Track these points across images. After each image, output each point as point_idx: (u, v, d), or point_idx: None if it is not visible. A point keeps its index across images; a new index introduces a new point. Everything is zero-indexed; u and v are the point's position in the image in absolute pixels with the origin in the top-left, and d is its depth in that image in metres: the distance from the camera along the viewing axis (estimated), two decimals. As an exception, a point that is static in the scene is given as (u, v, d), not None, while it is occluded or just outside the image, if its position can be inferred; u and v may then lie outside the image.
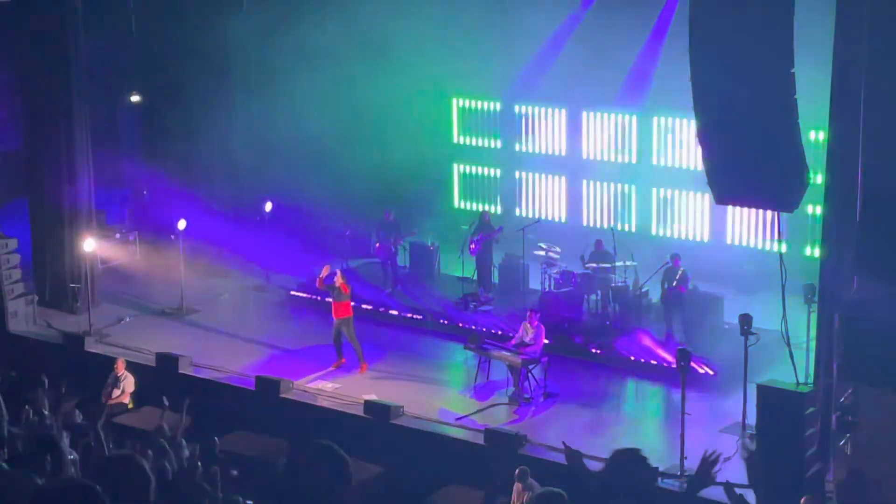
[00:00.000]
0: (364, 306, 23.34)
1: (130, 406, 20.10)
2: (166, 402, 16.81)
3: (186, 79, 25.29)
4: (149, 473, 5.79)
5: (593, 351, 21.19)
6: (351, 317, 20.97)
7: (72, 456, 8.16)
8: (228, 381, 20.67)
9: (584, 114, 25.82)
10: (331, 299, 21.15)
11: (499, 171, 27.43)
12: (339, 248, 25.77)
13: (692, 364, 19.49)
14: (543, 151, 26.66)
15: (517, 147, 27.01)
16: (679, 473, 16.58)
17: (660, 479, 16.54)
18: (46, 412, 16.43)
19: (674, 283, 21.26)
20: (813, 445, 15.67)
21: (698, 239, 24.77)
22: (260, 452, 17.87)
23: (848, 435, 15.76)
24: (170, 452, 13.94)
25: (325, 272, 21.03)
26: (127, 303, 24.37)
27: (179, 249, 23.84)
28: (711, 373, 19.64)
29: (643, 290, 22.01)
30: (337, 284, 20.82)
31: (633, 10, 23.55)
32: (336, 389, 20.13)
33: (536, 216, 26.12)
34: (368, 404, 19.09)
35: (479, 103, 27.37)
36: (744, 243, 24.27)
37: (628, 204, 25.64)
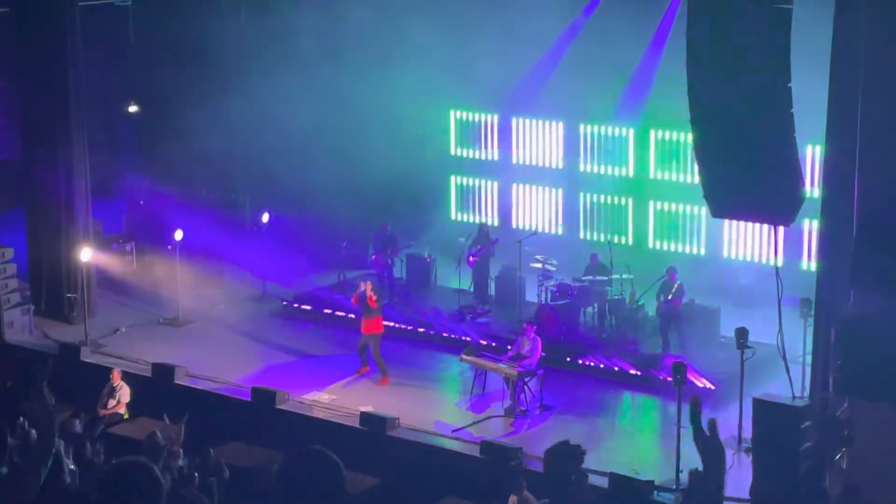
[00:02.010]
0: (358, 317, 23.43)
1: (126, 416, 20.05)
2: (167, 419, 16.74)
3: (184, 89, 25.32)
4: (160, 479, 5.77)
5: (589, 364, 21.19)
6: (379, 334, 20.97)
7: (71, 466, 8.14)
8: (224, 392, 20.65)
9: (582, 126, 25.86)
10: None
11: (496, 184, 27.45)
12: (335, 259, 25.77)
13: (691, 378, 19.54)
14: (541, 164, 26.69)
15: (514, 159, 27.03)
16: (674, 487, 16.58)
17: (655, 492, 16.56)
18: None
19: (669, 297, 21.29)
20: (809, 459, 15.67)
21: (695, 252, 24.79)
22: (256, 463, 17.84)
23: (844, 449, 15.76)
24: (161, 462, 13.91)
25: (360, 291, 21.09)
26: (123, 313, 24.33)
27: (176, 260, 23.83)
28: (712, 388, 19.62)
29: (639, 303, 22.02)
30: (365, 301, 20.82)
31: (631, 24, 23.59)
32: (332, 401, 20.12)
33: (533, 228, 26.15)
34: (364, 416, 19.08)
35: (477, 115, 27.41)
36: (740, 257, 24.29)
37: (625, 217, 25.66)
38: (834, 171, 15.84)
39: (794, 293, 17.77)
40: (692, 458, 16.94)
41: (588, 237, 25.92)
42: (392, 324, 22.99)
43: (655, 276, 21.67)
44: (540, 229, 26.23)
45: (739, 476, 16.40)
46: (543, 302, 22.80)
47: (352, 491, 5.68)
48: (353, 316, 23.50)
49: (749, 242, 24.06)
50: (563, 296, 22.56)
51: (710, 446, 5.98)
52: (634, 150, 25.29)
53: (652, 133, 24.92)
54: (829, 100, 15.66)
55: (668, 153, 24.84)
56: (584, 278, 22.62)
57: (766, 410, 15.75)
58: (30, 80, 24.11)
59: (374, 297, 20.81)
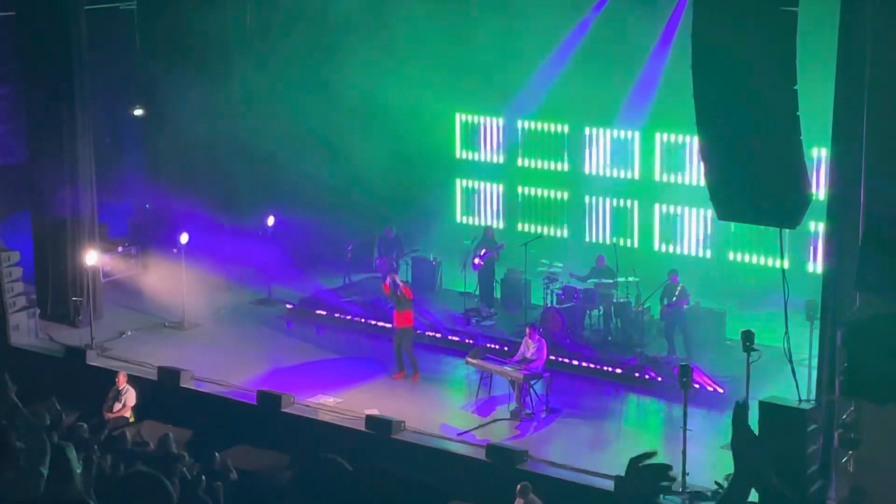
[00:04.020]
0: (364, 321, 23.47)
1: (132, 420, 20.07)
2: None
3: (190, 93, 25.32)
4: (171, 490, 5.74)
5: (595, 366, 21.19)
6: (412, 326, 21.10)
7: (78, 470, 8.14)
8: (230, 396, 20.67)
9: (587, 129, 25.86)
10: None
11: (501, 187, 27.45)
12: (341, 262, 25.77)
13: (701, 382, 19.50)
14: (545, 167, 26.69)
15: (519, 162, 27.03)
16: (681, 490, 16.56)
17: (661, 495, 16.52)
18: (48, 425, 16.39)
19: (673, 299, 21.27)
20: (815, 462, 15.64)
21: (701, 255, 24.77)
22: (262, 467, 17.86)
23: (850, 452, 15.74)
24: (176, 466, 13.93)
25: (390, 280, 21.33)
26: (129, 316, 24.35)
27: (181, 263, 23.85)
28: (721, 391, 19.59)
29: (644, 306, 22.01)
30: (400, 291, 20.85)
31: (637, 27, 23.59)
32: (338, 404, 20.12)
33: (538, 231, 26.14)
34: (370, 419, 19.08)
35: (482, 118, 27.42)
36: (746, 259, 24.28)
37: (630, 220, 25.65)
38: (840, 173, 15.82)
39: (801, 296, 17.75)
40: (696, 460, 16.93)
41: (593, 240, 25.92)
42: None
43: (661, 279, 21.65)
44: (545, 232, 26.23)
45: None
46: (549, 305, 22.80)
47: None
48: (348, 318, 23.58)
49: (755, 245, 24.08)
50: (568, 299, 22.55)
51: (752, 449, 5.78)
52: (640, 152, 25.29)
53: (657, 136, 24.91)
54: (835, 102, 15.64)
55: (673, 155, 24.84)
56: (587, 280, 22.59)
57: (771, 413, 15.71)
58: (35, 84, 24.14)
59: (409, 289, 21.00)
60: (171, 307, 24.16)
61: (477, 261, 24.03)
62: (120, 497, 5.64)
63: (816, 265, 22.04)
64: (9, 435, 8.42)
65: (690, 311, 21.38)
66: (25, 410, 16.53)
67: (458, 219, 27.93)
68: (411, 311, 21.09)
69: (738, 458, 5.87)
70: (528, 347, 19.84)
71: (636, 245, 25.37)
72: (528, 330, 20.15)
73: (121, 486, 5.89)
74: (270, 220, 25.68)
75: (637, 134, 25.20)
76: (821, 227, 19.66)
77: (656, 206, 25.25)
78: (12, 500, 7.20)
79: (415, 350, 21.39)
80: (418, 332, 22.64)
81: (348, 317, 23.88)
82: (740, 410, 6.04)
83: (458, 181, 27.96)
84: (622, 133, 25.43)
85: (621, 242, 24.72)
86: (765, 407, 15.82)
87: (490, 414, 19.81)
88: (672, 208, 25.06)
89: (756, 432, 6.01)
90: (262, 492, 15.37)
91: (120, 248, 26.52)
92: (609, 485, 16.50)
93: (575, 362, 21.32)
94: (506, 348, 21.38)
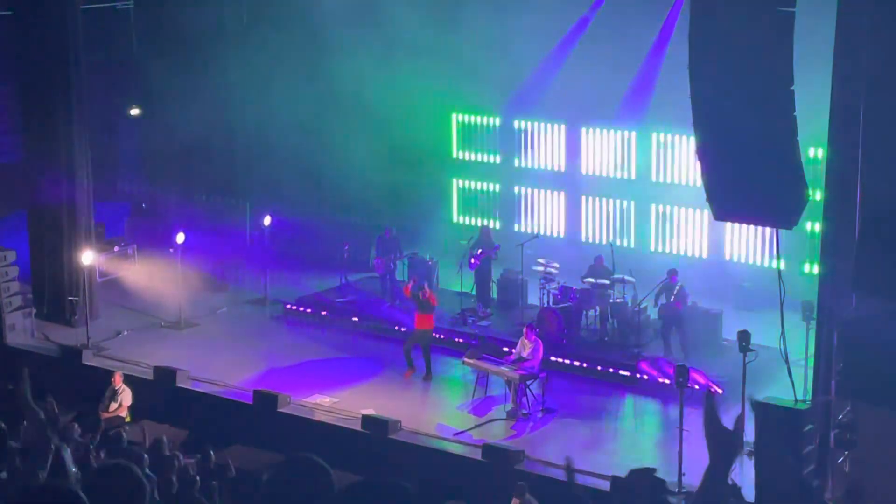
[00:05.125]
0: (363, 320, 23.45)
1: (128, 419, 20.05)
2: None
3: (186, 92, 25.32)
4: (143, 481, 5.74)
5: (591, 367, 21.18)
6: (431, 329, 21.28)
7: (73, 469, 8.14)
8: (226, 395, 20.65)
9: (584, 129, 25.86)
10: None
11: (498, 187, 27.45)
12: (337, 262, 25.76)
13: (699, 383, 19.49)
14: (542, 167, 26.69)
15: (516, 162, 27.03)
16: (677, 490, 16.55)
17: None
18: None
19: (671, 300, 21.26)
20: (811, 463, 15.65)
21: (697, 255, 24.78)
22: (257, 467, 17.82)
23: (846, 452, 15.75)
24: (173, 466, 13.89)
25: (409, 286, 21.66)
26: (125, 316, 24.33)
27: (178, 262, 23.83)
28: (720, 391, 19.58)
29: (641, 306, 22.01)
30: (426, 296, 20.95)
31: (634, 27, 23.61)
32: (334, 404, 20.11)
33: (535, 232, 26.14)
34: (366, 419, 19.07)
35: (479, 118, 27.41)
36: (742, 260, 24.28)
37: (627, 220, 25.65)
38: (836, 174, 15.83)
39: (797, 296, 17.75)
40: (692, 461, 16.91)
41: (590, 240, 25.91)
42: (395, 327, 23.02)
43: (657, 279, 21.65)
44: (542, 232, 26.23)
45: (742, 479, 16.37)
46: (545, 305, 22.79)
47: (340, 490, 5.66)
48: (355, 319, 23.60)
49: (751, 245, 24.09)
50: (564, 299, 22.55)
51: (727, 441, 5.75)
52: (637, 152, 25.29)
53: (654, 135, 24.91)
54: (832, 102, 15.65)
55: (670, 156, 24.84)
56: (585, 280, 22.61)
57: (768, 413, 15.73)
58: (32, 84, 24.12)
59: (435, 296, 21.32)
60: (167, 307, 24.14)
61: (473, 261, 24.02)
62: (93, 489, 5.64)
63: (813, 266, 22.03)
64: (5, 436, 8.39)
65: (687, 312, 21.38)
66: (36, 407, 16.47)
67: (455, 219, 27.92)
68: (433, 315, 21.18)
69: (710, 447, 5.97)
70: (525, 347, 19.83)
71: (632, 245, 25.37)
72: (524, 330, 20.14)
73: (93, 479, 5.90)
74: (267, 220, 25.66)
75: (634, 133, 25.19)
76: (817, 228, 19.66)
77: (653, 206, 25.25)
78: (6, 499, 7.19)
79: (414, 351, 21.35)
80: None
81: (345, 317, 23.85)
82: (709, 403, 6.20)
83: (454, 181, 27.95)
84: (619, 133, 25.42)
85: (618, 242, 24.71)
86: (761, 407, 15.83)
87: (486, 414, 19.80)
88: (669, 208, 25.05)
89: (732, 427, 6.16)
90: (245, 491, 15.37)
91: (116, 248, 26.48)
92: (606, 485, 16.50)
93: (572, 362, 21.30)
94: (510, 349, 21.35)
